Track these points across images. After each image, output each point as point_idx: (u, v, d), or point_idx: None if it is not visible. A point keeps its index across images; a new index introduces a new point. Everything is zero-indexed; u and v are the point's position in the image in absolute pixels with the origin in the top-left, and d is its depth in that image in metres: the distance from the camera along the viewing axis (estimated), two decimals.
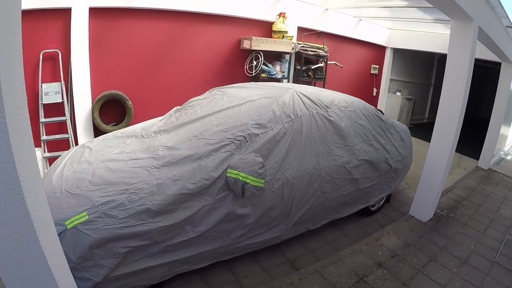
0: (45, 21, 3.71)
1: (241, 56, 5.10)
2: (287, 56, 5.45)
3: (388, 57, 7.54)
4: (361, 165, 3.01)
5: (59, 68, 3.87)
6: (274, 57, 5.29)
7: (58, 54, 3.84)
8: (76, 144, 4.01)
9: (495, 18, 3.87)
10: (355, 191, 3.03)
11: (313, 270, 2.49)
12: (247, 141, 2.39)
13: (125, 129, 3.26)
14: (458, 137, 3.35)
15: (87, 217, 1.85)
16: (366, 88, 7.52)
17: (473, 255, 2.96)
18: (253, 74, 4.95)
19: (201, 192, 2.12)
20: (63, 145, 3.97)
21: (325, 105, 2.98)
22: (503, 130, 6.28)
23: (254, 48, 4.73)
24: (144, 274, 2.02)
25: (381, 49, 7.44)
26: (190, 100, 3.60)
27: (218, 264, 2.44)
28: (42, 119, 3.81)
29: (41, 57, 3.74)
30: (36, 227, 1.11)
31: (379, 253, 2.84)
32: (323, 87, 5.92)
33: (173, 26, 4.41)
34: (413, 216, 3.58)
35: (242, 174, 2.17)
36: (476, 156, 5.96)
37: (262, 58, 4.85)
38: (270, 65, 5.13)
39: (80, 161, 2.50)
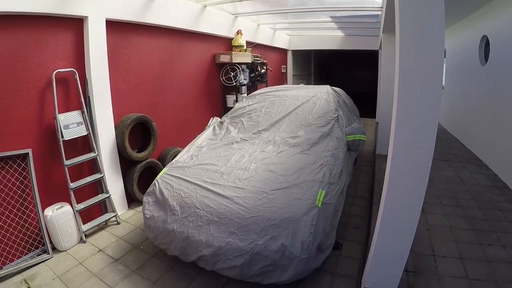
0: (54, 32, 3.15)
1: (215, 69, 5.86)
2: (244, 66, 6.54)
3: (289, 57, 9.73)
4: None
5: (77, 91, 3.37)
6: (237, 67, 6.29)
7: (75, 74, 3.33)
8: (105, 185, 3.64)
9: None
10: None
11: None
12: (338, 119, 3.60)
13: (196, 143, 3.63)
14: None
15: (324, 192, 2.53)
16: (281, 84, 9.42)
17: None
18: (234, 84, 5.83)
19: (345, 153, 3.23)
20: (89, 190, 3.57)
21: (339, 93, 4.49)
22: None
23: (233, 61, 5.63)
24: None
25: (285, 52, 9.53)
26: (237, 107, 4.30)
27: None
28: (66, 162, 3.22)
29: (54, 79, 3.12)
30: None
31: None
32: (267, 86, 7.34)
33: (171, 44, 4.69)
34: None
35: (357, 135, 3.42)
36: (372, 116, 8.93)
37: (241, 70, 5.81)
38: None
39: (231, 172, 2.85)
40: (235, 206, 2.46)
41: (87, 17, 3.33)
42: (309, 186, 2.57)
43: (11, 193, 2.95)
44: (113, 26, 3.67)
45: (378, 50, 8.30)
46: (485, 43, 5.56)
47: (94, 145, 3.50)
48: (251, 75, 6.83)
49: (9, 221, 2.94)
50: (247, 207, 2.42)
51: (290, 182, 2.63)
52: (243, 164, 2.99)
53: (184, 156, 3.38)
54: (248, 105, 4.24)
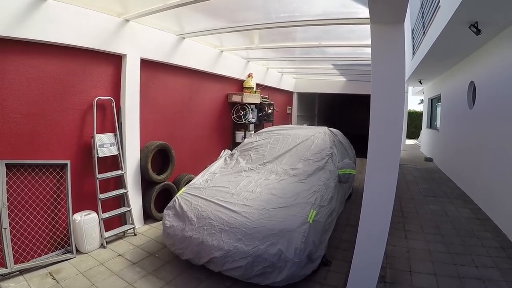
0: (98, 64, 3.81)
1: (227, 107, 6.62)
2: (253, 106, 7.29)
3: (295, 99, 10.60)
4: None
5: (112, 117, 4.04)
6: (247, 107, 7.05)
7: (111, 102, 4.01)
8: (128, 200, 4.18)
9: None
10: None
11: None
12: (332, 155, 4.20)
13: (210, 170, 4.26)
14: None
15: (315, 211, 3.11)
16: (286, 123, 10.16)
17: None
18: (243, 121, 6.54)
19: (336, 183, 3.79)
20: (112, 203, 4.08)
21: (335, 134, 5.12)
22: None
23: (244, 101, 6.39)
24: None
25: (290, 94, 10.41)
26: (246, 142, 4.95)
27: None
28: (98, 175, 3.82)
29: (95, 104, 3.79)
30: None
31: None
32: (272, 125, 8.04)
33: (191, 82, 5.51)
34: None
35: (348, 170, 4.01)
36: None
37: (250, 109, 6.54)
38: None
39: (240, 194, 3.44)
40: (243, 218, 3.03)
41: (126, 55, 4.10)
42: (303, 206, 3.16)
43: (48, 196, 3.52)
44: (145, 64, 4.43)
45: None
46: (473, 88, 6.25)
47: (122, 164, 4.15)
48: (259, 114, 7.59)
49: (42, 220, 3.46)
50: (252, 220, 2.99)
51: (287, 203, 3.23)
52: (250, 188, 3.60)
53: (200, 179, 3.99)
54: (256, 141, 4.90)
